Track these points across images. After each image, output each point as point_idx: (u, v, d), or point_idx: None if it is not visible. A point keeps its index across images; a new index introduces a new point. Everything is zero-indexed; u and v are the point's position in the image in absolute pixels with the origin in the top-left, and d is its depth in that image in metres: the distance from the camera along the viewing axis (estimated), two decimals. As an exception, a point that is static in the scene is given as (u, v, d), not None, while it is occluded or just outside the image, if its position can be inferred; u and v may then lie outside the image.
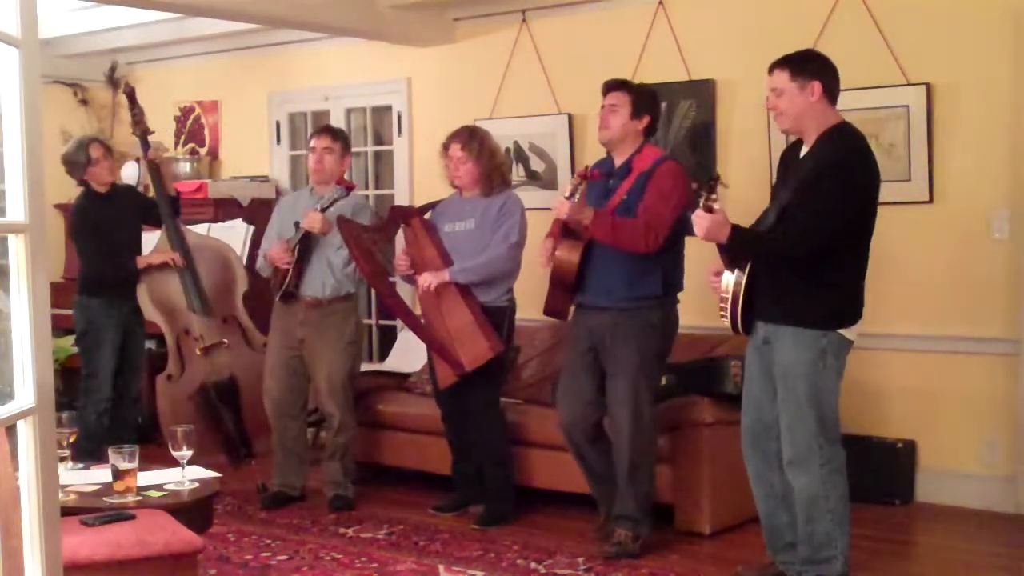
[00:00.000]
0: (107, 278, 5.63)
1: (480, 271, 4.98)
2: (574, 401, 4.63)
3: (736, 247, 3.82)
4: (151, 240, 5.87)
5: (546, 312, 4.73)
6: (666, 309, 4.58)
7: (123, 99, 7.93)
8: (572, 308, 4.74)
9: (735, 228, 3.78)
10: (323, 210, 5.18)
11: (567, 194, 4.49)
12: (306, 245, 5.27)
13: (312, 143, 5.44)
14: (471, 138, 5.10)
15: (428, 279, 4.99)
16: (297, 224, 5.28)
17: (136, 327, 5.74)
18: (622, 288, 4.49)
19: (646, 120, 4.56)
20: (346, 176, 5.60)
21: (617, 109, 4.53)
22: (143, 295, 5.66)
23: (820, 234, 3.72)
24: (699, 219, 3.76)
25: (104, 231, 5.63)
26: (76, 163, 5.61)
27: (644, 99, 4.57)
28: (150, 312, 5.69)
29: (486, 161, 5.08)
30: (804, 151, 3.90)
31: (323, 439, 5.67)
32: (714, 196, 3.74)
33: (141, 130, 5.72)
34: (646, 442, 4.55)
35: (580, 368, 4.63)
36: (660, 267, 4.49)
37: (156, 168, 5.69)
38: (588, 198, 4.57)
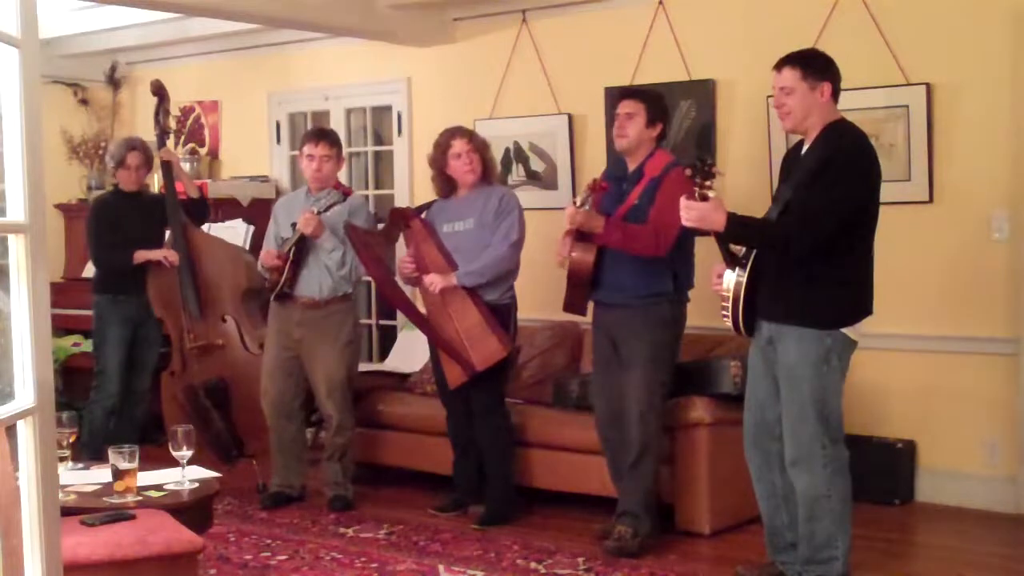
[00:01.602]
0: (109, 273, 5.68)
1: (485, 273, 5.01)
2: (605, 394, 4.72)
3: (734, 234, 3.78)
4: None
5: (565, 309, 4.80)
6: (676, 305, 4.68)
7: (120, 97, 8.06)
8: (591, 305, 4.79)
9: (732, 215, 3.74)
10: (319, 213, 5.19)
11: (578, 203, 4.57)
12: (302, 247, 5.27)
13: (308, 150, 5.32)
14: (471, 133, 5.24)
15: (435, 281, 5.00)
16: (294, 225, 5.29)
17: (147, 324, 5.76)
18: (635, 285, 4.59)
19: (659, 128, 4.67)
20: (342, 175, 5.58)
21: (634, 117, 4.63)
22: (149, 291, 5.69)
23: (821, 225, 3.70)
24: (689, 207, 3.72)
25: (115, 228, 5.66)
26: (112, 157, 5.80)
27: (658, 108, 4.68)
28: (155, 308, 5.72)
29: (487, 151, 5.22)
30: (805, 148, 3.90)
31: (323, 439, 5.66)
32: (708, 183, 3.70)
33: (162, 129, 5.73)
34: (654, 434, 4.60)
35: (607, 362, 4.72)
36: (671, 266, 4.59)
37: (168, 166, 5.70)
38: (601, 203, 4.65)
